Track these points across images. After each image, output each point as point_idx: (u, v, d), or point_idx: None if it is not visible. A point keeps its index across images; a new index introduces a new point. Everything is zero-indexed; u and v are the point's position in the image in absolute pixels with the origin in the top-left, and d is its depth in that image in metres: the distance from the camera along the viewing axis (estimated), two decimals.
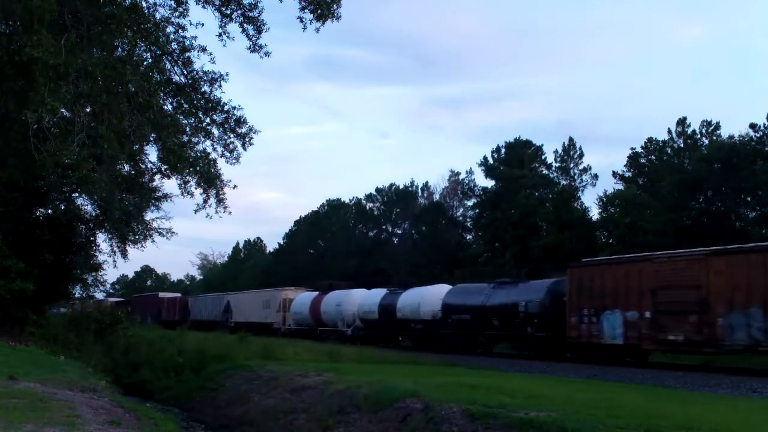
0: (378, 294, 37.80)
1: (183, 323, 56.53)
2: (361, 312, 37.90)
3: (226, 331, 45.58)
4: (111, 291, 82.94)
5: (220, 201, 14.37)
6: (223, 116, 13.71)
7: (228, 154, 14.01)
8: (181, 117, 14.05)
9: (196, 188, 14.26)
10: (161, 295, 73.76)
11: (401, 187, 76.13)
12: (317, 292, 43.86)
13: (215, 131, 13.88)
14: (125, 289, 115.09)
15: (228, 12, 12.92)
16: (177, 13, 12.82)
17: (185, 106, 13.81)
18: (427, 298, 33.29)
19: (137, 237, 29.04)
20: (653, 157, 50.22)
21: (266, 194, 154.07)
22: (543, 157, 60.71)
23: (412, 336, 34.83)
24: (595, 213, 50.59)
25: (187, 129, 14.11)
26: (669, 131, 49.56)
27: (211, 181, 14.09)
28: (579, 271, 25.25)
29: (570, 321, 24.75)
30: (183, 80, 13.37)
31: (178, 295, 74.09)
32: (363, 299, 38.52)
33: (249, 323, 47.51)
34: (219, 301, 58.47)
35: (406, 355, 27.32)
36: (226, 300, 57.08)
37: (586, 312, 24.13)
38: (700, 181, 42.12)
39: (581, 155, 60.27)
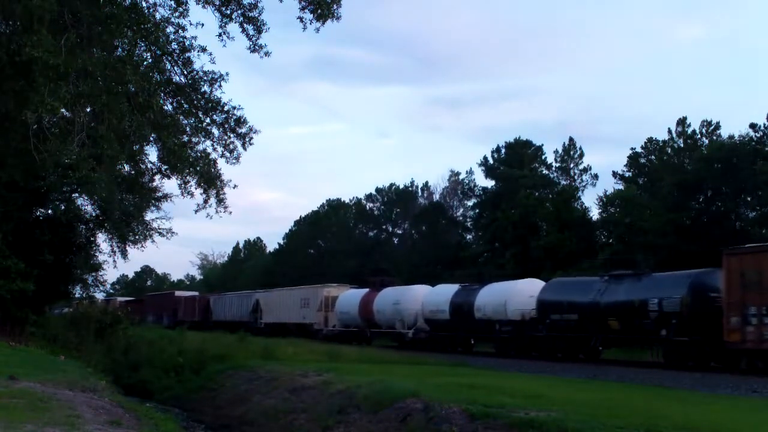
0: (448, 290, 33.38)
1: (204, 324, 53.77)
2: (426, 311, 33.63)
3: (255, 333, 42.01)
4: (111, 291, 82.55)
5: (220, 201, 14.38)
6: (223, 116, 13.71)
7: (228, 154, 14.01)
8: (181, 117, 14.04)
9: (196, 188, 14.28)
10: (178, 293, 68.89)
11: (401, 187, 76.17)
12: (366, 289, 39.57)
13: (215, 131, 13.88)
14: (125, 289, 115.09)
15: (228, 12, 12.91)
16: (177, 13, 12.80)
17: (185, 106, 13.81)
18: (516, 294, 29.05)
19: (137, 237, 28.99)
20: (653, 157, 50.22)
21: (266, 194, 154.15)
22: (543, 157, 60.78)
23: (495, 339, 29.99)
24: (595, 213, 50.69)
25: (187, 129, 14.11)
26: (669, 131, 49.57)
27: (211, 181, 14.09)
28: (741, 260, 20.82)
29: (729, 322, 20.43)
30: (183, 80, 13.36)
31: (196, 293, 68.93)
32: (428, 296, 34.37)
33: (283, 324, 44.77)
34: (246, 300, 53.90)
35: (407, 355, 27.28)
36: (255, 299, 52.43)
37: (754, 311, 19.81)
38: (700, 181, 42.12)
39: (581, 155, 60.36)
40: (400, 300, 35.79)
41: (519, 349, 27.82)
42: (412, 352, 28.67)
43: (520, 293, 28.90)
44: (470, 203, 67.59)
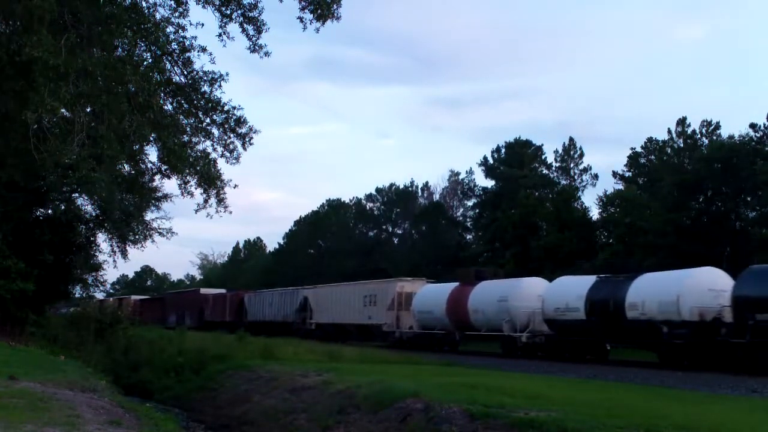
0: (580, 283, 27.00)
1: (237, 326, 46.66)
2: (549, 310, 27.30)
3: (303, 335, 38.98)
4: (111, 291, 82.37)
5: (220, 201, 14.37)
6: (223, 116, 13.69)
7: (228, 154, 14.00)
8: (181, 117, 14.04)
9: (196, 188, 14.27)
10: (205, 291, 62.92)
11: (401, 187, 76.17)
12: (454, 284, 33.75)
13: (215, 131, 13.87)
14: (125, 289, 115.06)
15: (228, 12, 12.90)
16: (177, 13, 12.80)
17: (185, 106, 13.80)
18: (693, 287, 22.82)
19: (137, 237, 29.02)
20: (653, 157, 50.23)
21: (266, 194, 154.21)
22: (543, 157, 60.78)
23: (661, 346, 23.70)
24: (595, 213, 50.71)
25: (187, 129, 14.10)
26: (669, 131, 49.56)
27: (211, 181, 14.08)
28: None
29: None
30: (183, 80, 13.35)
31: (225, 291, 62.21)
32: (551, 291, 28.04)
33: (340, 326, 40.21)
34: (291, 298, 47.55)
35: (406, 354, 27.26)
36: (302, 296, 46.04)
37: None
38: (700, 181, 42.10)
39: (581, 155, 60.35)
40: (509, 296, 29.31)
41: (696, 358, 22.13)
42: (412, 352, 28.61)
43: (699, 285, 22.81)
44: (470, 203, 67.70)
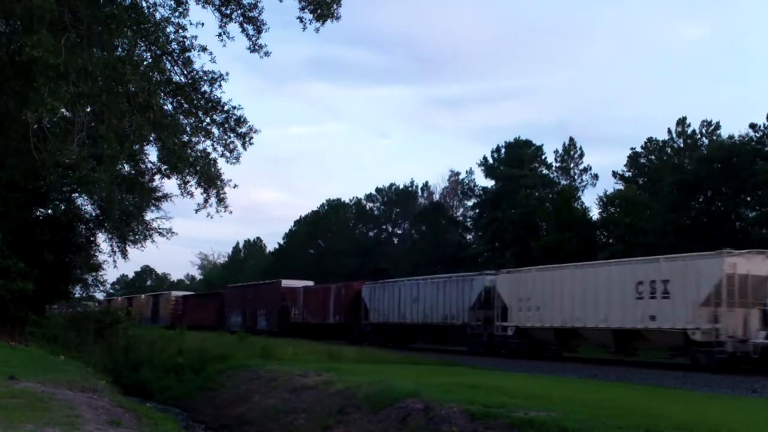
0: None
1: (349, 329, 37.14)
2: None
3: (501, 351, 27.98)
4: (111, 291, 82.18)
5: (220, 200, 14.38)
6: (223, 116, 13.70)
7: (228, 154, 14.01)
8: (181, 117, 14.05)
9: (196, 188, 14.29)
10: (288, 283, 46.19)
11: (401, 187, 76.22)
12: None
13: (215, 131, 13.88)
14: (125, 289, 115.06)
15: (228, 12, 12.91)
16: (177, 13, 12.81)
17: (185, 105, 13.81)
18: None
19: (137, 237, 29.02)
20: (653, 157, 50.29)
21: (266, 194, 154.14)
22: (543, 157, 60.84)
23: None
24: (595, 213, 50.75)
25: (187, 129, 14.11)
26: (669, 131, 49.64)
27: (211, 180, 14.09)
28: None
29: None
30: (183, 80, 13.36)
31: (310, 283, 47.11)
32: None
33: (572, 330, 25.66)
34: (457, 289, 31.20)
35: (406, 355, 27.25)
36: (482, 285, 30.13)
37: None
38: (700, 181, 42.13)
39: (581, 155, 60.42)
40: None
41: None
42: (412, 352, 28.60)
43: None
44: (470, 203, 67.74)
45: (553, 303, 26.13)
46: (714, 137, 46.71)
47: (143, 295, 68.08)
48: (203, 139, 14.02)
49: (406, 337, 34.70)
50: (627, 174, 51.84)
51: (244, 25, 12.97)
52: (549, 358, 26.73)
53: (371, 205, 78.63)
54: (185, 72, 13.30)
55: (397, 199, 75.79)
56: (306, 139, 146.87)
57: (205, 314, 53.18)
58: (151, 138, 14.11)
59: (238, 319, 48.55)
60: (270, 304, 45.72)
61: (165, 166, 14.93)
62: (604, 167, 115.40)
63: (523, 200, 52.26)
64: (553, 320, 26.18)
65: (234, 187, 14.60)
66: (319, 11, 12.28)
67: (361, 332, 36.21)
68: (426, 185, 76.07)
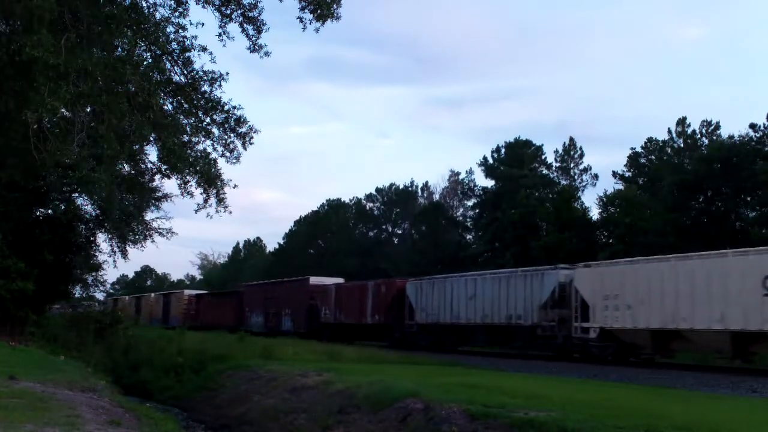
0: None
1: (389, 329, 33.93)
2: None
3: (583, 356, 24.65)
4: (111, 291, 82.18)
5: (220, 201, 14.36)
6: (223, 116, 13.68)
7: (228, 154, 13.98)
8: (181, 117, 14.03)
9: (196, 188, 14.26)
10: (316, 281, 41.92)
11: (401, 187, 76.27)
12: None
13: (215, 131, 13.85)
14: (125, 289, 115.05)
15: (228, 12, 12.90)
16: (177, 13, 12.79)
17: (185, 105, 13.79)
18: None
19: (137, 237, 29.08)
20: (653, 157, 50.31)
21: (266, 194, 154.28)
22: (543, 157, 60.87)
23: None
24: (595, 213, 50.78)
25: (187, 129, 14.09)
26: (669, 131, 49.66)
27: (211, 180, 14.07)
28: None
29: None
30: (183, 80, 13.34)
31: (339, 280, 42.34)
32: None
33: (684, 333, 21.60)
34: (525, 284, 27.19)
35: (406, 354, 27.23)
36: (555, 280, 26.31)
37: None
38: (700, 181, 42.15)
39: (581, 155, 60.47)
40: None
41: None
42: (412, 352, 28.57)
43: None
44: (470, 203, 67.77)
45: (650, 301, 22.51)
46: (714, 137, 46.74)
47: (153, 294, 66.93)
48: (203, 139, 14.00)
49: (459, 339, 31.18)
50: (627, 174, 51.87)
51: (244, 25, 12.96)
52: (638, 364, 22.92)
53: (371, 205, 78.70)
54: (185, 72, 13.29)
55: (397, 199, 75.82)
56: (306, 139, 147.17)
57: (222, 314, 50.35)
58: (151, 138, 14.08)
59: (259, 319, 45.26)
60: (297, 303, 41.73)
61: (165, 166, 14.89)
62: (604, 167, 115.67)
63: (523, 200, 52.26)
64: (651, 321, 22.56)
65: (234, 187, 14.59)
66: (319, 11, 12.27)
67: (404, 333, 33.05)
68: (426, 185, 76.21)
